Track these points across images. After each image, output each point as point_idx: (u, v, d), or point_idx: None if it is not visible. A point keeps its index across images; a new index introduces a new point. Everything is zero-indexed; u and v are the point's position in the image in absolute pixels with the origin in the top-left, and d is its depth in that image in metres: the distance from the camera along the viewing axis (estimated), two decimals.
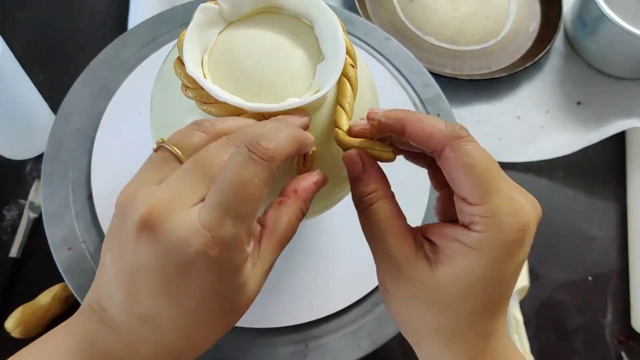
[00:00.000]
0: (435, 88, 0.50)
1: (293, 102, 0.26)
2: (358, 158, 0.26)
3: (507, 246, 0.23)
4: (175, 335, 0.22)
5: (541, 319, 0.53)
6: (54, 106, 0.52)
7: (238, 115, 0.27)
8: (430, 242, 0.25)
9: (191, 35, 0.27)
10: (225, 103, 0.26)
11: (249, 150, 0.22)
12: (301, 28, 0.30)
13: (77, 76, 0.46)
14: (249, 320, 0.40)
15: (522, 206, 0.24)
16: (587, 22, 0.63)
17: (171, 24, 0.49)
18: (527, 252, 0.25)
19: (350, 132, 0.27)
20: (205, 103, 0.27)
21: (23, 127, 0.50)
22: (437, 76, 0.58)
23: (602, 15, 0.59)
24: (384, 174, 0.26)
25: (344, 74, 0.29)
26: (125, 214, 0.22)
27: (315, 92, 0.27)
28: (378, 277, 0.27)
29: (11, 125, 0.49)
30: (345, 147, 0.27)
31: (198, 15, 0.28)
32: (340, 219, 0.44)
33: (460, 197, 0.24)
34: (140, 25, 0.49)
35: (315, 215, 0.34)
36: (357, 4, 0.64)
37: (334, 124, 0.28)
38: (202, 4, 0.28)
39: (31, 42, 0.60)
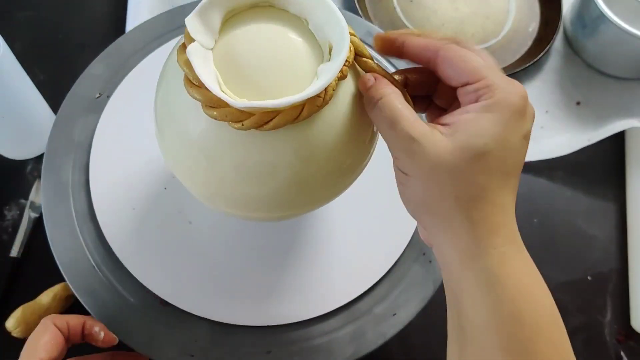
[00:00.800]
0: None
1: (289, 99, 0.26)
2: (371, 75, 0.29)
3: (514, 108, 0.26)
4: None
5: None
6: (54, 106, 0.52)
7: (244, 117, 0.27)
8: (442, 125, 0.27)
9: (194, 49, 0.27)
10: (224, 103, 0.26)
11: None
12: (296, 22, 0.30)
13: (77, 76, 0.46)
14: (248, 318, 0.40)
15: (513, 81, 0.27)
16: (586, 22, 0.63)
17: (171, 25, 0.49)
18: (530, 126, 0.27)
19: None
20: (212, 107, 0.27)
21: (23, 127, 0.50)
22: None
23: (602, 16, 0.59)
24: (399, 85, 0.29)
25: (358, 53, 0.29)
26: None
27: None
28: (395, 167, 0.28)
29: (12, 125, 0.49)
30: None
31: (191, 29, 0.28)
32: (341, 218, 0.44)
33: (463, 84, 0.27)
34: (140, 25, 0.49)
35: (316, 208, 0.34)
36: (357, 4, 0.64)
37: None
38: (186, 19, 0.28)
39: (31, 42, 0.60)
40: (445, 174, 0.26)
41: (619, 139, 0.62)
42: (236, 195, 0.31)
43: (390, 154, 0.28)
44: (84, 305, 0.39)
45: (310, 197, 0.32)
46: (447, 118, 0.27)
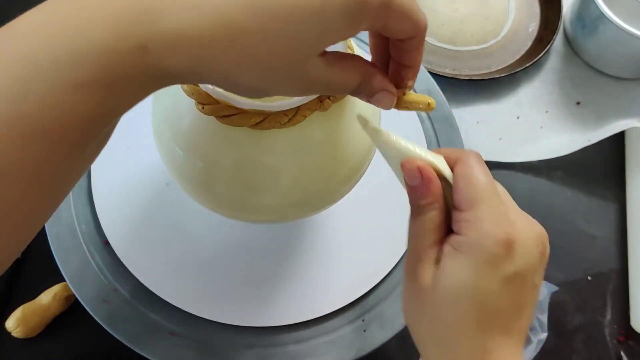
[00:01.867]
0: (434, 88, 0.50)
1: (250, 102, 0.26)
2: (417, 172, 0.27)
3: (489, 252, 0.24)
4: None
5: None
6: None
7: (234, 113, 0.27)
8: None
9: None
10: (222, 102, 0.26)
11: None
12: None
13: None
14: (250, 319, 0.40)
15: (508, 220, 0.25)
16: (586, 23, 0.63)
17: None
18: (518, 268, 0.25)
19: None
20: (201, 104, 0.27)
21: None
22: (436, 76, 0.58)
23: (602, 16, 0.59)
24: (440, 185, 0.27)
25: None
26: None
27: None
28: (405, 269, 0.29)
29: None
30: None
31: None
32: (341, 217, 0.44)
33: (457, 205, 0.26)
34: None
35: (315, 213, 0.35)
36: None
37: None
38: None
39: None
40: (426, 308, 0.26)
41: (619, 139, 0.62)
42: (230, 197, 0.31)
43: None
44: (82, 303, 0.39)
45: (305, 202, 0.32)
46: (445, 242, 0.27)
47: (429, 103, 0.27)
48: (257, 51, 0.20)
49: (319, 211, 0.34)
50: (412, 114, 0.49)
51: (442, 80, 0.59)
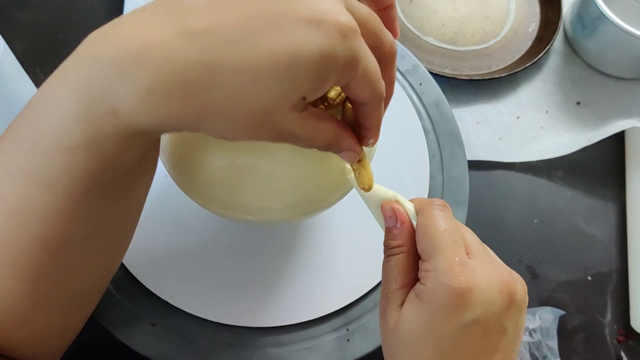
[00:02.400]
0: (435, 88, 0.50)
1: None
2: (393, 213, 0.29)
3: (442, 301, 0.26)
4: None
5: None
6: None
7: None
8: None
9: None
10: None
11: None
12: None
13: None
14: (249, 319, 0.40)
15: (464, 270, 0.26)
16: (586, 23, 0.63)
17: None
18: (477, 315, 0.26)
19: None
20: None
21: None
22: (436, 76, 0.58)
23: (602, 16, 0.59)
24: (413, 229, 0.29)
25: None
26: None
27: None
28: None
29: None
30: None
31: None
32: (340, 217, 0.44)
33: (420, 254, 0.28)
34: None
35: (313, 215, 0.35)
36: None
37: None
38: None
39: (32, 42, 0.60)
40: (393, 345, 0.28)
41: (619, 139, 0.62)
42: (225, 197, 0.31)
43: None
44: None
45: (298, 205, 0.32)
46: (411, 291, 0.28)
47: (367, 187, 0.29)
48: (221, 107, 0.21)
49: (312, 215, 0.34)
50: (414, 116, 0.49)
51: (442, 80, 0.59)
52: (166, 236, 0.42)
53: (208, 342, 0.39)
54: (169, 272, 0.40)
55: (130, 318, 0.39)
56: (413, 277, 0.29)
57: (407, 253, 0.28)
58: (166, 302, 0.39)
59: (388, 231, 0.29)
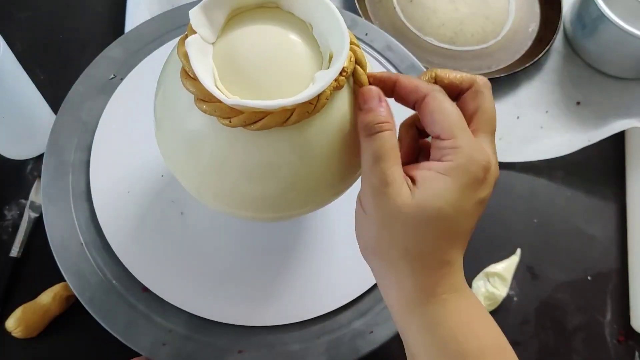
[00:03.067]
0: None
1: (279, 102, 0.26)
2: (377, 92, 0.29)
3: (472, 175, 0.27)
4: None
5: (541, 318, 0.53)
6: (54, 106, 0.52)
7: (234, 114, 0.27)
8: (411, 177, 0.29)
9: (193, 41, 0.27)
10: (218, 101, 0.26)
11: None
12: (300, 26, 0.30)
13: (77, 76, 0.46)
14: (225, 315, 0.40)
15: (484, 148, 0.29)
16: (586, 23, 0.63)
17: (172, 24, 0.49)
18: (488, 193, 0.28)
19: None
20: (203, 101, 0.27)
21: (24, 127, 0.50)
22: None
23: (602, 16, 0.59)
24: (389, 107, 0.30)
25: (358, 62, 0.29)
26: None
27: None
28: (360, 198, 0.29)
29: (12, 125, 0.49)
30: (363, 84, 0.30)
31: (194, 22, 0.28)
32: (340, 216, 0.44)
33: (435, 135, 0.28)
34: (141, 25, 0.49)
35: (308, 212, 0.34)
36: (357, 4, 0.64)
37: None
38: (190, 11, 0.28)
39: (32, 42, 0.60)
40: (399, 225, 0.27)
41: (619, 139, 0.62)
42: (225, 192, 0.31)
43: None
44: (71, 286, 0.39)
45: (304, 200, 0.32)
46: (412, 170, 0.28)
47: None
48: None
49: (317, 208, 0.34)
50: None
51: None
52: (169, 243, 0.42)
53: (220, 344, 0.39)
54: (169, 272, 0.40)
55: (133, 319, 0.39)
56: (401, 154, 0.29)
57: (393, 130, 0.29)
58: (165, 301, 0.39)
59: (371, 110, 0.29)
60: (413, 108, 0.30)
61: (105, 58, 0.47)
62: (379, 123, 0.28)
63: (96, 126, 0.44)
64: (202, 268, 0.41)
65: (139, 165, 0.43)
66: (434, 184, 0.27)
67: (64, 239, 0.40)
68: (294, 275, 0.42)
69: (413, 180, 0.28)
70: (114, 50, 0.47)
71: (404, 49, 0.52)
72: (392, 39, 0.52)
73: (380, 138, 0.28)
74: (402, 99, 0.30)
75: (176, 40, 0.47)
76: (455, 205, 0.27)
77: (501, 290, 0.52)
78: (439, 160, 0.28)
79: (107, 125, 0.44)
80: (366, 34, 0.51)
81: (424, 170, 0.28)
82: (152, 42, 0.48)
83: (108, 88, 0.45)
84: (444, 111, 0.28)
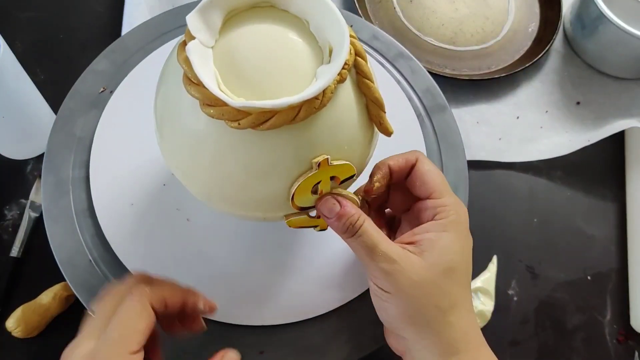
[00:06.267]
0: (436, 90, 0.50)
1: (287, 100, 0.26)
2: (333, 199, 0.31)
3: (464, 225, 0.32)
4: None
5: (540, 318, 0.53)
6: (55, 106, 0.52)
7: (241, 117, 0.27)
8: (413, 243, 0.32)
9: (194, 46, 0.27)
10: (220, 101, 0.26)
11: None
12: (297, 23, 0.30)
13: (77, 76, 0.46)
14: (242, 317, 0.39)
15: (460, 201, 0.33)
16: (586, 23, 0.63)
17: (172, 24, 0.49)
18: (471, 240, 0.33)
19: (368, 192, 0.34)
20: (209, 106, 0.27)
21: (24, 127, 0.50)
22: (436, 76, 0.58)
23: (602, 16, 0.59)
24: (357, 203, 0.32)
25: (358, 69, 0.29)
26: None
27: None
28: (374, 286, 0.31)
29: (12, 125, 0.49)
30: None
31: (192, 27, 0.28)
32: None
33: (425, 196, 0.33)
34: (141, 25, 0.49)
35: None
36: (356, 4, 0.64)
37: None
38: (187, 16, 0.28)
39: (32, 42, 0.60)
40: (425, 288, 0.30)
41: (619, 139, 0.62)
42: (235, 194, 0.31)
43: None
44: (81, 300, 0.39)
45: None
46: (409, 237, 0.32)
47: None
48: None
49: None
50: (413, 116, 0.49)
51: (442, 80, 0.59)
52: (178, 250, 0.41)
53: (241, 347, 0.38)
54: (181, 280, 0.40)
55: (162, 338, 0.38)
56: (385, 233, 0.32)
57: (366, 216, 0.31)
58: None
59: (340, 216, 0.31)
60: (402, 181, 0.34)
61: (91, 72, 0.46)
62: (353, 222, 0.30)
63: (91, 141, 0.43)
64: (213, 272, 0.41)
65: (139, 177, 0.43)
66: (439, 243, 0.31)
67: (72, 257, 0.40)
68: (309, 270, 0.42)
69: (416, 245, 0.31)
70: (100, 63, 0.47)
71: (390, 37, 0.51)
72: (377, 29, 0.52)
73: (363, 232, 0.30)
74: (396, 178, 0.34)
75: (162, 49, 0.47)
76: (462, 254, 0.31)
77: (488, 305, 0.52)
78: (432, 219, 0.32)
79: (103, 140, 0.44)
80: (351, 26, 0.51)
81: (424, 234, 0.31)
82: (137, 52, 0.47)
83: (99, 102, 0.45)
84: (431, 174, 0.33)
